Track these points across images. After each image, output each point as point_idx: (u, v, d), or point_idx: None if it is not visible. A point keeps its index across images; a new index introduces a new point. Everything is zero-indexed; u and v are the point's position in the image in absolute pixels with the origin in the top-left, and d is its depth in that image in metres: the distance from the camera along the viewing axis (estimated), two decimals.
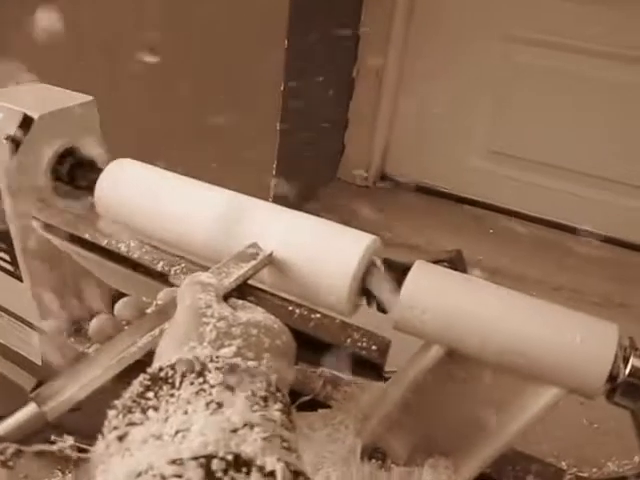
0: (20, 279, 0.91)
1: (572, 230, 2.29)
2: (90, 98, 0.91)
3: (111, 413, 0.37)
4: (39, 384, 1.04)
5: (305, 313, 0.57)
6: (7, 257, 0.90)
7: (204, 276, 0.54)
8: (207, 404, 0.36)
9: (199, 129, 1.98)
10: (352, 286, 0.61)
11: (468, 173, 2.47)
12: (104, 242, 0.71)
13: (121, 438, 0.35)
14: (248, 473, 0.32)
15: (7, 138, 0.81)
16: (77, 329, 0.99)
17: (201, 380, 0.38)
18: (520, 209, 2.40)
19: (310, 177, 2.28)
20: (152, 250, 0.69)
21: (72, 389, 0.43)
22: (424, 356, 0.63)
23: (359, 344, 0.54)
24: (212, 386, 0.38)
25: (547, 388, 0.59)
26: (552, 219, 2.34)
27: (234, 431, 0.34)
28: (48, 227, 0.81)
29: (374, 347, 0.54)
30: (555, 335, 0.56)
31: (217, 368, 0.39)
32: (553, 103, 2.24)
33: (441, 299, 0.58)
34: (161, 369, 0.39)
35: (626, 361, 0.55)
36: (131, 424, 0.36)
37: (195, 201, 0.72)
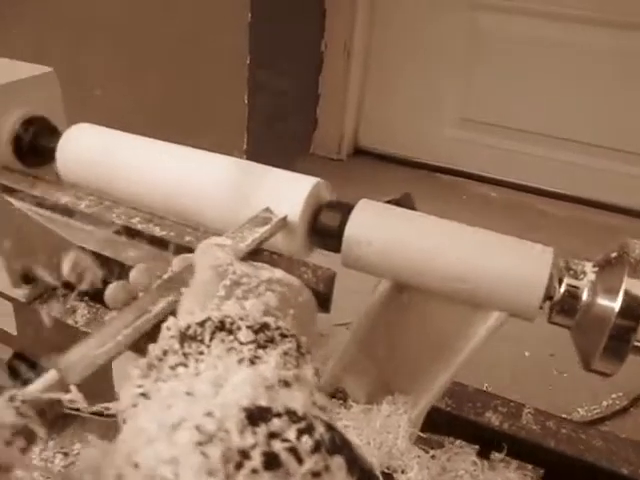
0: None
1: (543, 192, 2.33)
2: (49, 69, 0.93)
3: (135, 372, 0.37)
4: (15, 354, 1.06)
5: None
6: None
7: (220, 239, 0.54)
8: (239, 361, 0.35)
9: (165, 103, 1.99)
10: (301, 227, 0.64)
11: (440, 142, 2.50)
12: (64, 201, 0.73)
13: (147, 395, 0.35)
14: (287, 427, 0.30)
15: None
16: (50, 296, 1.00)
17: (232, 338, 0.37)
18: (491, 174, 2.43)
19: (283, 152, 2.30)
20: (112, 205, 0.71)
21: (92, 356, 0.42)
22: (374, 293, 0.66)
23: (305, 276, 0.56)
24: (243, 344, 0.37)
25: (490, 313, 0.62)
26: (523, 183, 2.38)
27: (269, 387, 0.33)
28: (13, 192, 0.83)
29: (319, 278, 0.56)
30: (493, 259, 0.59)
31: (248, 326, 0.38)
32: (521, 69, 2.26)
33: (384, 231, 0.61)
34: (189, 327, 0.38)
35: (561, 281, 0.58)
36: (158, 381, 0.35)
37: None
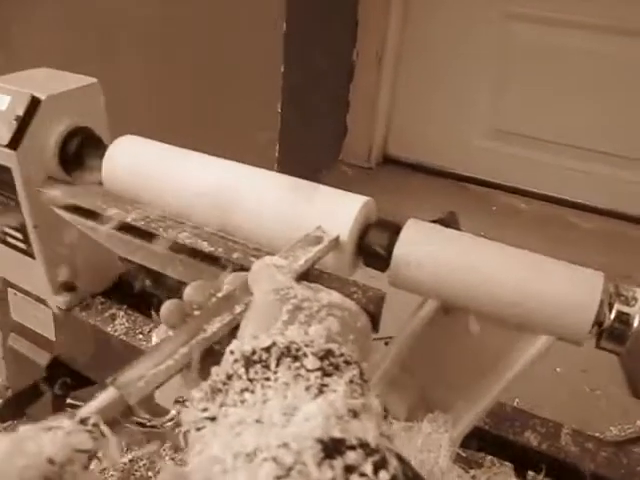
0: (32, 256, 0.94)
1: (573, 205, 2.31)
2: (94, 80, 0.94)
3: (197, 394, 0.37)
4: (54, 360, 1.07)
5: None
6: (19, 235, 0.93)
7: (274, 259, 0.53)
8: (307, 388, 0.35)
9: (199, 112, 2.00)
10: (349, 245, 0.64)
11: (470, 152, 2.48)
12: (111, 212, 0.74)
13: (213, 419, 0.35)
14: (362, 460, 0.30)
15: (16, 119, 0.85)
16: (88, 304, 1.02)
17: (298, 364, 0.37)
18: (521, 186, 2.41)
19: (313, 160, 2.31)
20: (158, 218, 0.72)
21: (150, 374, 0.42)
22: (419, 313, 0.66)
23: (355, 296, 0.56)
24: (309, 371, 0.36)
25: (537, 337, 0.61)
26: (553, 195, 2.36)
27: (340, 418, 0.32)
28: (58, 202, 0.84)
29: (369, 299, 0.56)
30: (543, 284, 0.59)
31: (313, 353, 0.37)
32: (554, 79, 2.25)
33: (434, 252, 0.61)
34: (254, 352, 0.38)
35: (611, 307, 0.58)
36: (224, 405, 0.35)
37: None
